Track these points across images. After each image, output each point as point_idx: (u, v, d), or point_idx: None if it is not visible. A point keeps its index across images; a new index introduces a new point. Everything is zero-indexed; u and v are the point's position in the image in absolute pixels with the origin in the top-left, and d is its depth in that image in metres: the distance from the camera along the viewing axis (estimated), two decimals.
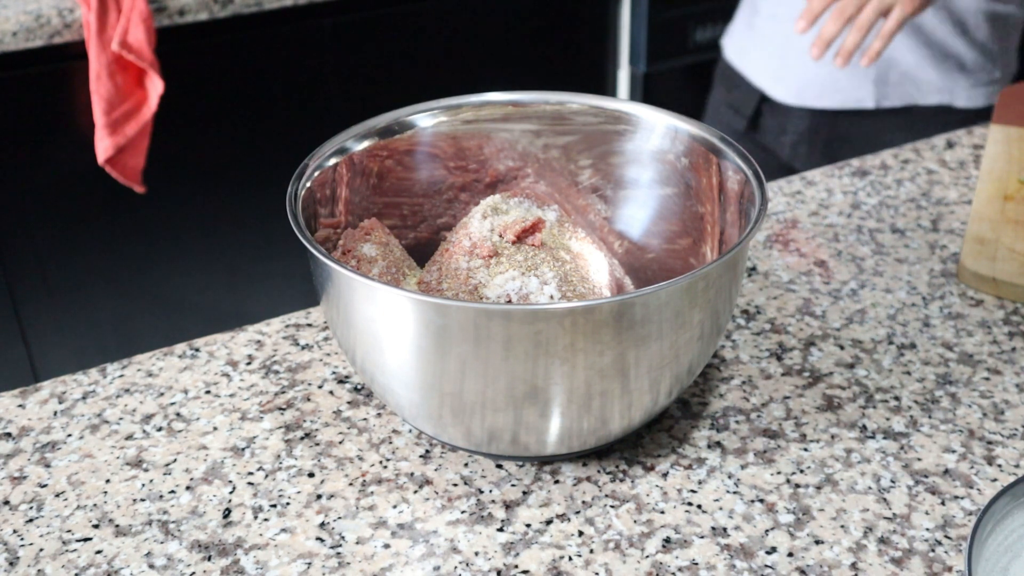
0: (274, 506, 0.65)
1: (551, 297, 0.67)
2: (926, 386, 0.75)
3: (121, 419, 0.73)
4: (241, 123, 1.73)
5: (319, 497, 0.66)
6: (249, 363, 0.78)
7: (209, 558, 0.62)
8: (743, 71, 1.47)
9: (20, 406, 0.74)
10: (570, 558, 0.61)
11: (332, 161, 0.71)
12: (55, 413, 0.73)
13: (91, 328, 1.73)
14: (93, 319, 1.73)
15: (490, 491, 0.66)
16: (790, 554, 0.61)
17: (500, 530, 0.63)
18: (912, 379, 0.76)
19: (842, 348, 0.79)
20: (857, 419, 0.72)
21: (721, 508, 0.65)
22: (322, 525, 0.64)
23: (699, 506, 0.65)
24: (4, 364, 1.69)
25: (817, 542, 0.62)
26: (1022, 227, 0.92)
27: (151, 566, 0.61)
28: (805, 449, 0.69)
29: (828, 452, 0.69)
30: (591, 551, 0.62)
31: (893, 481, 0.67)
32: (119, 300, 1.74)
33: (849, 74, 1.34)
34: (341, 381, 0.76)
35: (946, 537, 0.63)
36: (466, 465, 0.68)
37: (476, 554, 0.62)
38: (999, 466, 0.68)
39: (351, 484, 0.67)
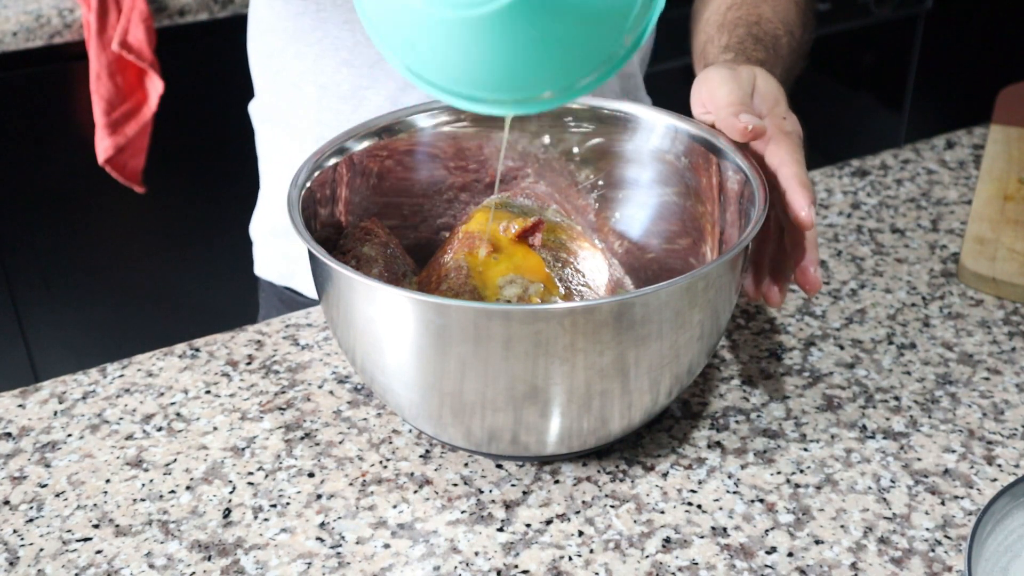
0: (274, 506, 0.65)
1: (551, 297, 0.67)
2: (926, 386, 0.75)
3: (121, 419, 0.73)
4: (241, 123, 1.73)
5: (319, 497, 0.66)
6: (249, 363, 0.78)
7: (209, 558, 0.62)
8: None
9: (20, 406, 0.74)
10: (570, 558, 0.61)
11: (332, 161, 0.71)
12: (55, 413, 0.73)
13: (91, 328, 1.73)
14: (93, 319, 1.72)
15: (490, 491, 0.66)
16: (790, 554, 0.61)
17: (500, 530, 0.63)
18: (912, 379, 0.76)
19: (842, 348, 0.79)
20: (857, 419, 0.72)
21: (721, 508, 0.65)
22: (322, 525, 0.64)
23: (699, 506, 0.65)
24: (4, 364, 1.69)
25: (817, 542, 0.62)
26: (1022, 227, 0.92)
27: (151, 566, 0.61)
28: (805, 449, 0.69)
29: (828, 452, 0.69)
30: (591, 551, 0.62)
31: (893, 481, 0.67)
32: (119, 300, 1.73)
33: None
34: (341, 381, 0.76)
35: (946, 537, 0.62)
36: (466, 465, 0.68)
37: (476, 554, 0.62)
38: (999, 466, 0.68)
39: (351, 484, 0.67)
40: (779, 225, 0.69)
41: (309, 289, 1.03)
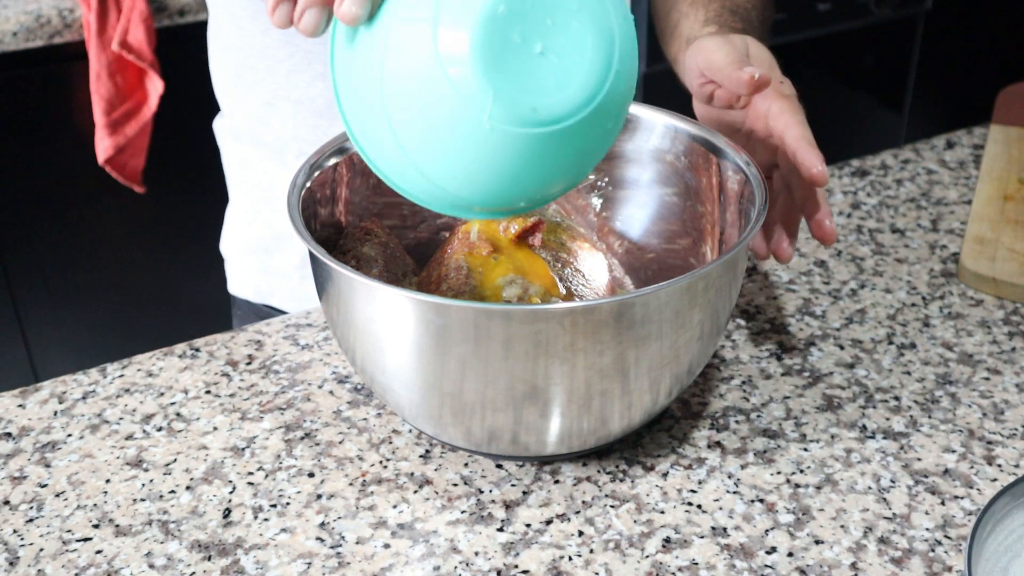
0: (274, 506, 0.65)
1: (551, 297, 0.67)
2: (926, 386, 0.75)
3: (121, 419, 0.73)
4: None
5: (319, 497, 0.66)
6: (249, 363, 0.78)
7: (209, 558, 0.62)
8: None
9: (20, 406, 0.74)
10: (570, 558, 0.61)
11: (332, 161, 0.71)
12: (55, 413, 0.73)
13: (91, 328, 1.73)
14: (93, 319, 1.73)
15: (490, 491, 0.66)
16: (790, 554, 0.61)
17: (500, 530, 0.63)
18: (912, 379, 0.76)
19: (842, 348, 0.79)
20: (857, 419, 0.72)
21: (721, 508, 0.65)
22: (322, 525, 0.64)
23: (699, 506, 0.65)
24: (4, 364, 1.69)
25: (817, 542, 0.62)
26: (1022, 227, 0.92)
27: (151, 566, 0.61)
28: (805, 449, 0.69)
29: (828, 452, 0.69)
30: (591, 551, 0.62)
31: (893, 481, 0.67)
32: (119, 300, 1.74)
33: None
34: (341, 381, 0.76)
35: (946, 537, 0.63)
36: (466, 465, 0.68)
37: (476, 554, 0.62)
38: (999, 466, 0.68)
39: (351, 484, 0.67)
40: (784, 185, 0.73)
41: (290, 306, 1.01)
